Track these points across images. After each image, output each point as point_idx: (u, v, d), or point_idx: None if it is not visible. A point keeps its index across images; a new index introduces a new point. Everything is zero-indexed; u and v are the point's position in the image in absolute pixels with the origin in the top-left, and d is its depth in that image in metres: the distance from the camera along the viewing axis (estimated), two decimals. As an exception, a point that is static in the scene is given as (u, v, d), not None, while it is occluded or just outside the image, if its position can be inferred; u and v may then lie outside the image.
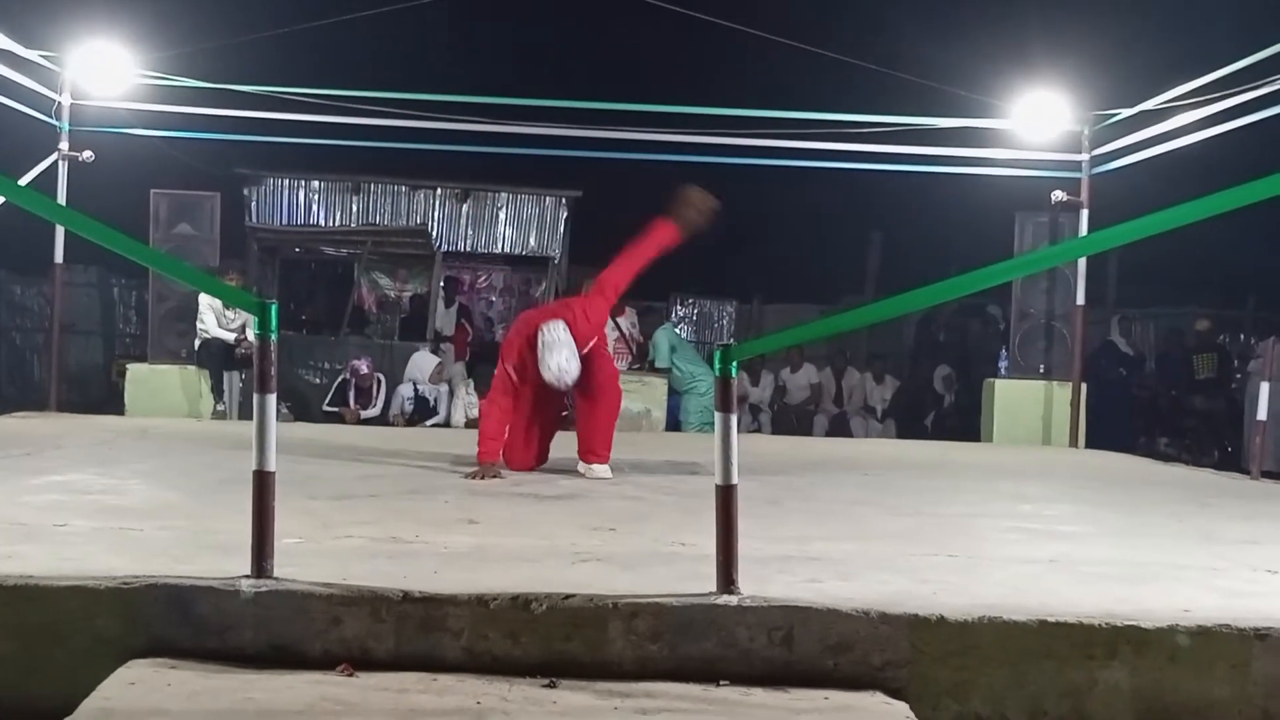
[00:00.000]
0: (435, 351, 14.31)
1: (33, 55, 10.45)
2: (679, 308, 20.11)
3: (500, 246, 17.93)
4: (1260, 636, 3.23)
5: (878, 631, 3.23)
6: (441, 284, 16.87)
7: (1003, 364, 13.63)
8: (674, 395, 13.17)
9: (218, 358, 11.83)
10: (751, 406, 15.57)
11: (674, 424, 13.02)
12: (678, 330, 15.46)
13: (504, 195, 17.73)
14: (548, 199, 17.56)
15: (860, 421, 15.95)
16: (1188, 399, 15.46)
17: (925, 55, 14.34)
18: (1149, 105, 10.36)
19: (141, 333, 16.22)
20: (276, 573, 3.35)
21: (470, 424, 12.69)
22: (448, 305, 16.77)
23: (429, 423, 12.88)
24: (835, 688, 3.17)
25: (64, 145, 11.12)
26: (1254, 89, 9.01)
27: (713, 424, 3.56)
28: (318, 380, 14.54)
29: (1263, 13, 9.85)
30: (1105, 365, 14.99)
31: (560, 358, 6.65)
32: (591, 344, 6.99)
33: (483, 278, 18.17)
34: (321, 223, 18.24)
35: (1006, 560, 4.29)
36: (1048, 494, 7.03)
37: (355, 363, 13.42)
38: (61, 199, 10.71)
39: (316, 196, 18.29)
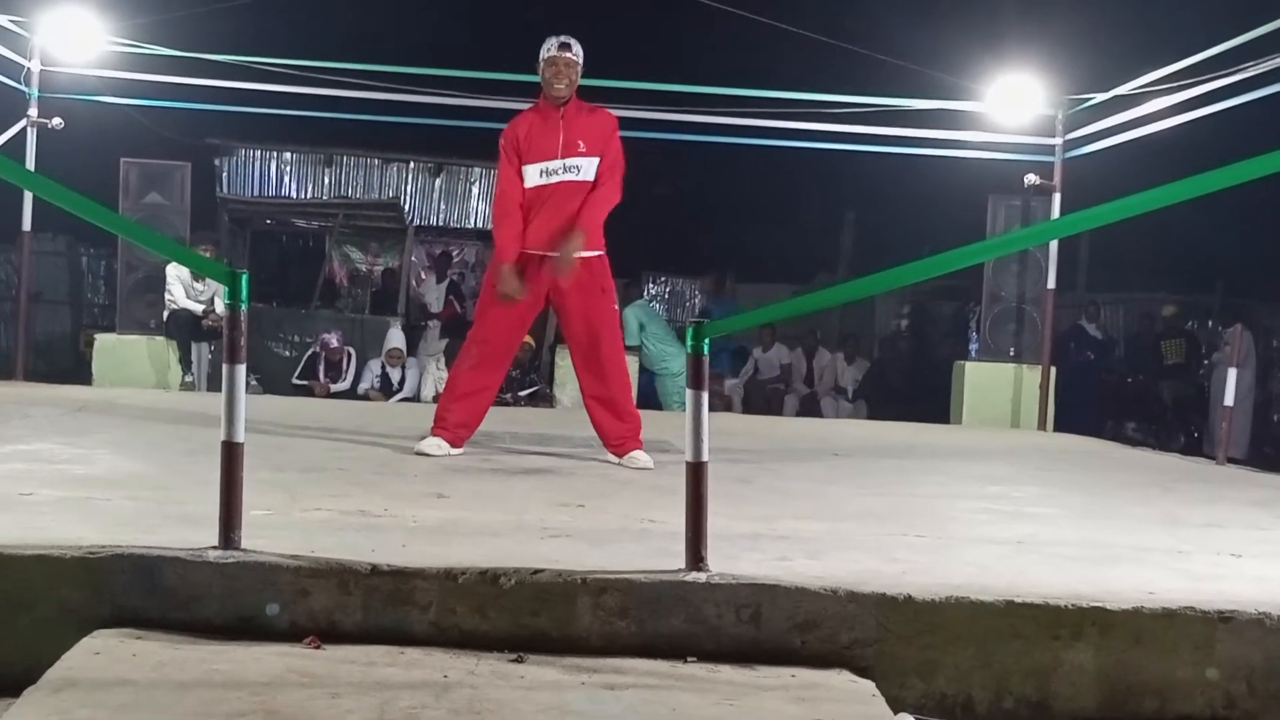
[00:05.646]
0: (405, 329, 14.29)
1: (2, 20, 10.34)
2: (651, 285, 20.13)
3: (473, 221, 17.89)
4: (1224, 619, 3.26)
5: (845, 610, 3.24)
6: (430, 259, 16.86)
7: (973, 346, 13.68)
8: (644, 373, 13.17)
9: (186, 329, 11.77)
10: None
11: (643, 402, 13.02)
12: (653, 305, 15.37)
13: (477, 169, 17.69)
14: (521, 174, 17.49)
15: (831, 402, 16.00)
16: (1155, 384, 15.59)
17: (900, 37, 14.33)
18: (1123, 90, 10.39)
19: (110, 303, 16.12)
20: (244, 544, 3.34)
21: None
22: (439, 280, 16.73)
23: (395, 399, 12.87)
24: (802, 665, 3.18)
25: (33, 112, 11.00)
26: (1227, 75, 9.05)
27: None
28: (287, 353, 14.52)
29: (1235, 1, 9.88)
30: (1073, 349, 15.09)
31: None
32: None
33: (456, 252, 18.12)
34: (293, 195, 18.18)
35: (974, 541, 4.31)
36: (1016, 476, 7.06)
37: (325, 336, 13.42)
38: (30, 166, 10.61)
39: (288, 168, 18.22)
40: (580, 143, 6.33)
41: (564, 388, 12.17)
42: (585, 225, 6.30)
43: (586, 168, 6.33)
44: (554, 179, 6.31)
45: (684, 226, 23.27)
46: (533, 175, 6.34)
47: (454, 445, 6.36)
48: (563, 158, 6.30)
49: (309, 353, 13.60)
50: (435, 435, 6.37)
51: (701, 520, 3.42)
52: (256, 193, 18.02)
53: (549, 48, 6.35)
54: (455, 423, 6.40)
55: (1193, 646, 3.25)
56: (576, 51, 6.37)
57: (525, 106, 6.85)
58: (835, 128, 11.54)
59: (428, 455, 6.21)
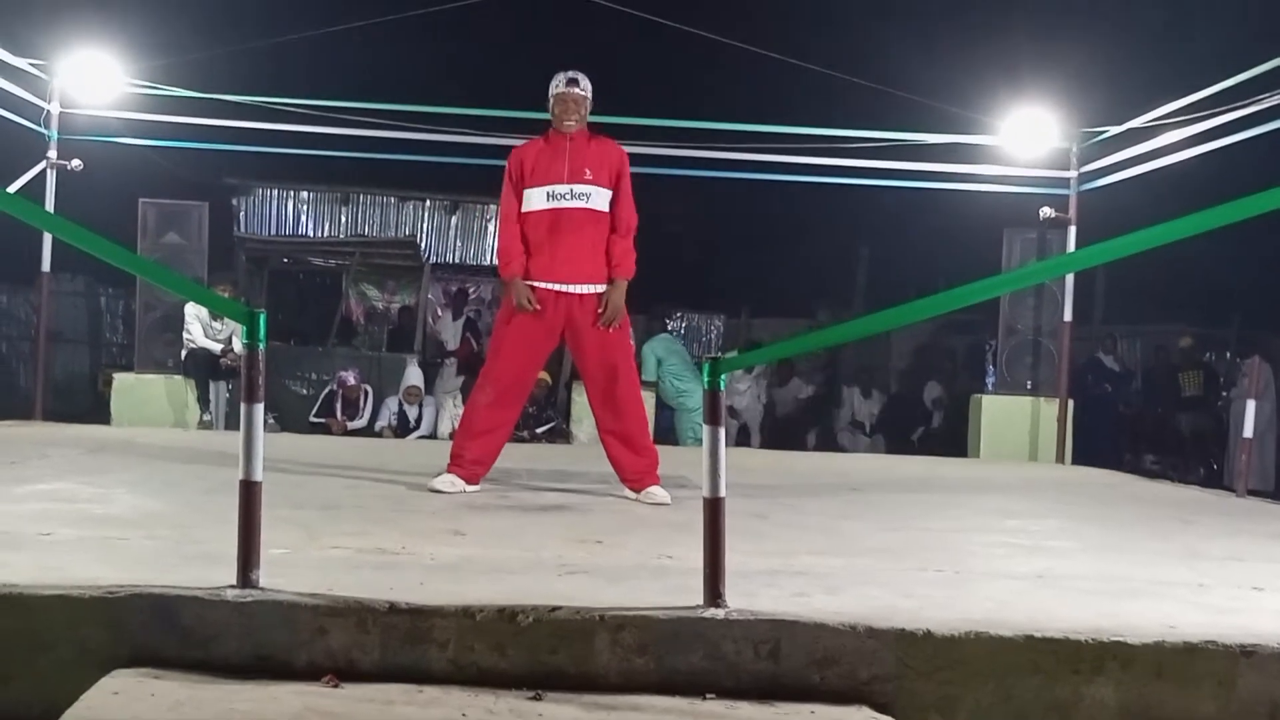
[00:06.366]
0: (422, 366, 14.30)
1: (22, 63, 10.43)
2: (668, 321, 20.09)
3: (489, 258, 17.91)
4: (1246, 653, 3.24)
5: (864, 646, 3.23)
6: (447, 296, 16.89)
7: (990, 380, 13.67)
8: (662, 408, 13.15)
9: (204, 368, 11.81)
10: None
11: (661, 437, 13.00)
12: (675, 340, 15.17)
13: (493, 207, 17.66)
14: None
15: (848, 436, 15.96)
16: (1174, 416, 15.53)
17: (914, 71, 14.39)
18: (1137, 123, 10.41)
19: (128, 342, 16.19)
20: (262, 583, 3.35)
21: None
22: (455, 317, 16.77)
23: (412, 436, 12.88)
24: (822, 701, 3.17)
25: (52, 154, 11.08)
26: (1240, 107, 9.06)
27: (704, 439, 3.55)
28: (305, 391, 14.53)
29: (1248, 32, 9.89)
30: (1091, 382, 15.05)
31: None
32: None
33: (472, 290, 18.17)
34: (310, 233, 18.25)
35: (993, 575, 4.29)
36: (1034, 509, 7.03)
37: (342, 374, 13.44)
38: (50, 207, 10.68)
39: (305, 207, 18.31)
40: (587, 170, 6.36)
41: (581, 424, 12.19)
42: (625, 274, 6.42)
43: (595, 197, 6.37)
44: (561, 204, 6.34)
45: (699, 261, 23.30)
46: (538, 199, 6.37)
47: (470, 482, 6.36)
48: (570, 183, 6.34)
49: (326, 390, 13.62)
50: (450, 472, 6.38)
51: (719, 556, 3.41)
52: (274, 232, 18.10)
53: (557, 83, 6.43)
54: (471, 460, 6.41)
55: (1215, 681, 3.23)
56: (584, 86, 6.44)
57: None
58: (849, 163, 11.56)
59: (442, 492, 6.22)
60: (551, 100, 6.46)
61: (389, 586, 3.46)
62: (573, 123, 6.40)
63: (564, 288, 6.35)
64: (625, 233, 6.45)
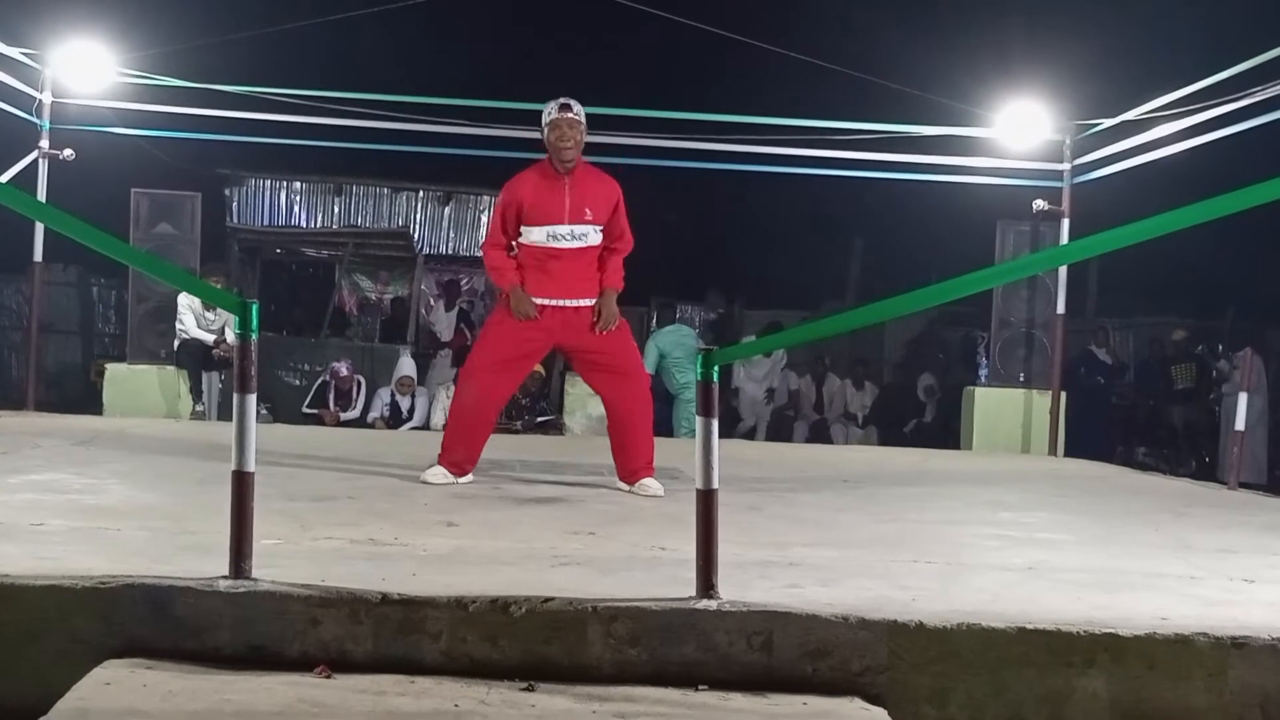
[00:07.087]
0: (415, 357, 14.30)
1: (14, 52, 10.40)
2: (675, 311, 20.05)
3: (481, 249, 17.87)
4: (1237, 645, 3.25)
5: (857, 637, 3.23)
6: (440, 287, 16.88)
7: (983, 372, 13.68)
8: (655, 401, 13.13)
9: (196, 358, 11.79)
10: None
11: (654, 428, 12.97)
12: (684, 329, 15.06)
13: (486, 198, 17.66)
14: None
15: (840, 428, 15.96)
16: (1166, 409, 15.55)
17: (908, 63, 14.38)
18: (1130, 115, 10.40)
19: (121, 333, 16.13)
20: (255, 574, 3.34)
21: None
22: (448, 309, 16.75)
23: (404, 427, 12.87)
24: (814, 693, 3.17)
25: (45, 143, 11.05)
26: (1234, 100, 9.06)
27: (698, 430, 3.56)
28: (297, 382, 14.53)
29: (1243, 24, 9.89)
30: (1083, 374, 15.06)
31: None
32: None
33: (465, 281, 18.14)
34: (303, 224, 18.22)
35: (986, 567, 4.30)
36: (1026, 502, 7.04)
37: (335, 365, 13.43)
38: (42, 197, 10.65)
39: (298, 198, 18.27)
40: (587, 210, 6.37)
41: (573, 415, 12.20)
42: (615, 285, 6.48)
43: (593, 235, 6.42)
44: (562, 244, 6.37)
45: (693, 253, 23.28)
46: (538, 236, 6.40)
47: (459, 476, 6.40)
48: (570, 223, 6.36)
49: (319, 381, 13.60)
50: (441, 464, 6.42)
51: (712, 548, 3.41)
52: (266, 222, 18.07)
53: (549, 111, 6.37)
54: (461, 457, 6.46)
55: (1206, 673, 3.23)
56: (577, 111, 6.37)
57: (532, 136, 6.85)
58: (844, 154, 11.56)
59: (432, 484, 6.24)
60: (546, 129, 6.38)
61: (381, 577, 3.47)
62: (570, 148, 6.32)
63: (559, 302, 6.40)
64: (619, 253, 6.54)
